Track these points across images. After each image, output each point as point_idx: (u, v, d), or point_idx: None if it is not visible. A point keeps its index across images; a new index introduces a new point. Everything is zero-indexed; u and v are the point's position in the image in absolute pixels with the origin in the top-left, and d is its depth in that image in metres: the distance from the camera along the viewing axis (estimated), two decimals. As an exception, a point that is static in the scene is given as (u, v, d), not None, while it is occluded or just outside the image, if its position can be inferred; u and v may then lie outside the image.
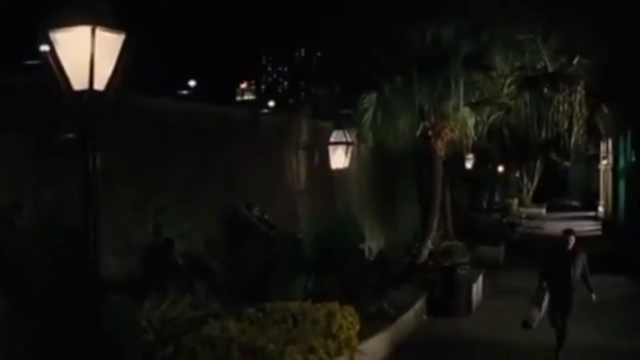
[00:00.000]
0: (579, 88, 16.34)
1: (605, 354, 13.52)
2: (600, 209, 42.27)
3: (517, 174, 45.38)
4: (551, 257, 12.89)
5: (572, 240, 12.34)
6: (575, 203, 51.20)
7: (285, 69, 76.98)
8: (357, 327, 10.30)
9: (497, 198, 38.33)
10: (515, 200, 42.79)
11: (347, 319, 9.94)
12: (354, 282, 12.47)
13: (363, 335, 12.82)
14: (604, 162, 40.37)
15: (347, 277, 12.30)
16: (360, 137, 17.02)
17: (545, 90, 16.56)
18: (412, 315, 16.11)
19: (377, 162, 21.58)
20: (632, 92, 24.80)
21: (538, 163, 46.63)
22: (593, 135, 26.19)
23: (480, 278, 19.64)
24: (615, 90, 24.51)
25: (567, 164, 53.63)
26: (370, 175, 21.84)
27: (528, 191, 46.44)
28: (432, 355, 13.95)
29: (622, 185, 31.64)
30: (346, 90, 16.54)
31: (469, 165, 30.39)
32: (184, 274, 10.46)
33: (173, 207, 11.56)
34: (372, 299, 13.98)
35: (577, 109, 16.32)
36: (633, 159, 26.56)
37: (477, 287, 19.07)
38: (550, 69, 17.20)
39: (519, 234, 33.66)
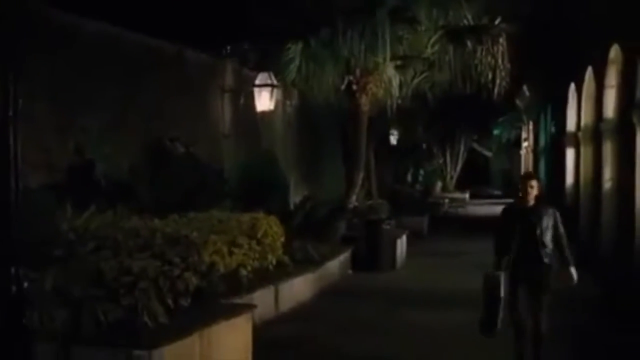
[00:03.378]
0: (501, 40, 16.57)
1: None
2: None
3: (441, 160, 45.91)
4: (505, 217, 9.00)
5: (534, 188, 8.67)
6: (497, 192, 51.98)
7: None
8: (282, 239, 10.31)
9: (422, 173, 38.69)
10: (439, 184, 43.32)
11: (272, 227, 9.94)
12: (279, 215, 12.41)
13: (289, 274, 12.96)
14: (525, 144, 41.13)
15: (272, 211, 12.25)
16: (285, 91, 17.01)
17: (469, 43, 16.72)
18: (337, 265, 16.28)
19: (303, 120, 21.64)
20: (551, 60, 25.35)
21: (462, 149, 47.29)
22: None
23: (405, 237, 19.86)
24: (535, 56, 25.02)
25: (488, 154, 54.65)
26: (296, 134, 21.89)
27: (452, 177, 47.02)
28: (355, 300, 14.07)
29: (542, 164, 32.26)
30: (271, 43, 16.41)
31: (393, 140, 30.75)
32: (106, 194, 10.33)
33: (95, 130, 11.40)
34: (296, 238, 14.08)
35: (499, 61, 16.55)
36: (553, 129, 27.11)
37: (402, 245, 19.27)
38: (472, 26, 17.41)
39: (442, 212, 34.12)
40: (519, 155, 47.64)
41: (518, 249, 8.56)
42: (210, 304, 8.94)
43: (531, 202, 8.64)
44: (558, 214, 8.74)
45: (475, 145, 51.43)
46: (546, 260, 8.55)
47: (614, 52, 16.93)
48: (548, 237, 8.56)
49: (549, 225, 8.58)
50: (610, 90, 17.57)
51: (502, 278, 8.41)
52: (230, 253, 8.67)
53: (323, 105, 18.55)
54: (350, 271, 17.17)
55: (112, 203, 9.81)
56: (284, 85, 16.86)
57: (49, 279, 7.68)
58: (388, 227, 18.13)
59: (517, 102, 37.90)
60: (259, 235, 9.58)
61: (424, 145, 38.40)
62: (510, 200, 10.45)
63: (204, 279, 8.31)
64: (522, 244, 8.54)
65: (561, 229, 8.69)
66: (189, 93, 15.30)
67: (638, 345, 10.35)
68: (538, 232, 8.52)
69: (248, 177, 13.22)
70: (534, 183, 8.75)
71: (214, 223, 9.03)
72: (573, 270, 8.64)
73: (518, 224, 8.61)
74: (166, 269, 7.83)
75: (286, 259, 11.51)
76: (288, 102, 17.45)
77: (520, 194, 8.79)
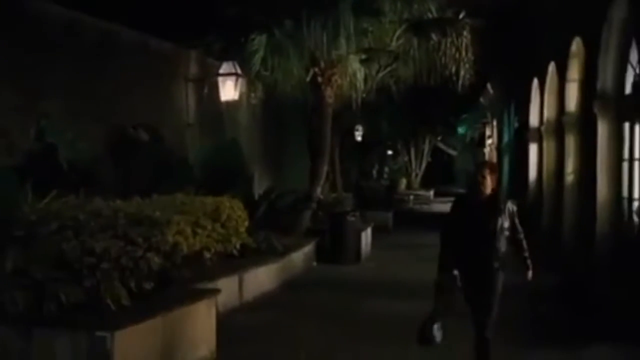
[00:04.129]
0: (465, 33, 16.68)
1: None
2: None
3: (406, 158, 46.12)
4: (454, 210, 7.89)
5: (489, 178, 7.57)
6: (461, 190, 52.26)
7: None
8: (246, 224, 10.29)
9: (387, 170, 38.85)
10: (404, 182, 43.51)
11: (236, 211, 9.91)
12: (243, 204, 12.36)
13: (252, 263, 12.96)
14: (489, 141, 41.38)
15: (237, 194, 12.20)
16: (250, 82, 16.95)
17: (433, 36, 16.80)
18: (302, 257, 16.27)
19: (268, 112, 21.61)
20: (514, 56, 25.57)
21: (427, 148, 47.52)
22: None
23: (370, 230, 19.91)
24: (499, 53, 25.22)
25: (453, 153, 54.96)
26: (261, 126, 21.86)
27: (417, 175, 47.25)
28: (319, 291, 14.08)
29: (505, 161, 32.49)
30: (235, 33, 16.34)
31: (358, 137, 30.82)
32: (68, 179, 10.22)
33: (57, 115, 11.29)
34: (261, 229, 14.06)
35: (463, 53, 16.65)
36: (516, 125, 27.32)
37: (367, 238, 19.32)
38: (436, 20, 17.50)
39: (407, 208, 34.27)
40: (483, 154, 47.94)
41: (466, 248, 7.55)
42: (174, 288, 8.91)
43: (485, 194, 7.55)
44: (516, 210, 7.66)
45: (440, 145, 51.71)
46: (496, 264, 7.51)
47: (576, 45, 17.12)
48: (502, 236, 7.50)
49: (504, 222, 7.49)
50: (572, 84, 17.78)
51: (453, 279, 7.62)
52: (194, 234, 8.64)
53: (288, 98, 18.53)
54: (314, 263, 17.17)
55: (74, 188, 9.70)
56: (248, 77, 16.78)
57: (9, 261, 7.61)
58: (353, 219, 18.11)
59: (481, 99, 38.19)
60: (222, 219, 9.54)
61: (389, 144, 38.52)
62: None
63: (168, 259, 8.26)
64: (471, 242, 7.52)
65: (519, 228, 7.66)
66: (152, 81, 15.20)
67: (594, 333, 10.45)
68: (491, 229, 7.44)
69: (212, 165, 13.18)
70: (489, 172, 7.61)
71: (177, 204, 8.99)
72: (530, 274, 7.81)
73: (468, 218, 7.59)
74: (129, 249, 7.77)
75: (251, 241, 11.47)
76: (253, 95, 17.33)
77: (473, 184, 7.70)
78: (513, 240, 7.68)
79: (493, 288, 7.55)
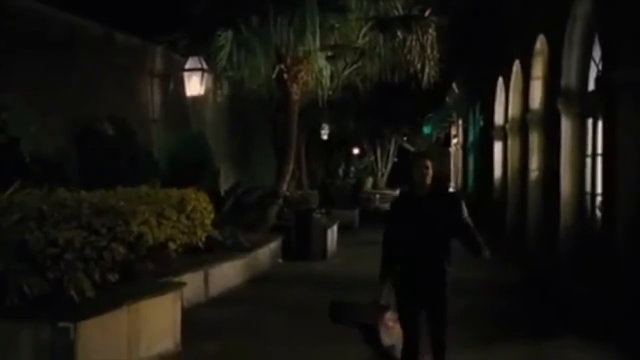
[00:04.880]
0: (430, 30, 16.75)
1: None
2: (451, 190, 43.50)
3: (372, 158, 46.19)
4: (394, 210, 7.04)
5: (429, 170, 6.63)
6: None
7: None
8: (212, 216, 10.25)
9: (353, 170, 38.93)
10: (370, 180, 43.59)
11: (202, 203, 9.87)
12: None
13: (218, 258, 12.93)
14: (454, 140, 41.57)
15: (203, 188, 12.14)
16: (216, 79, 16.88)
17: (399, 33, 16.85)
18: (268, 254, 16.26)
19: (234, 109, 21.52)
20: (480, 55, 25.71)
21: (392, 148, 47.60)
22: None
23: (335, 227, 19.91)
24: (464, 52, 25.36)
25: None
26: (227, 122, 21.78)
27: (383, 175, 47.31)
28: (285, 287, 14.08)
29: (471, 160, 32.68)
30: (201, 29, 16.26)
31: (325, 136, 30.85)
32: (32, 172, 10.11)
33: (20, 108, 11.15)
34: (227, 225, 14.03)
35: (429, 50, 16.72)
36: (481, 124, 27.49)
37: (333, 235, 19.32)
38: (402, 17, 17.56)
39: (373, 207, 34.33)
40: (449, 154, 48.14)
41: (409, 252, 6.66)
42: (139, 280, 8.86)
43: (426, 188, 6.65)
44: (463, 203, 6.78)
45: (406, 145, 51.79)
46: (446, 267, 6.68)
47: (540, 43, 17.25)
48: (446, 235, 6.61)
49: (449, 217, 6.59)
50: (537, 81, 17.91)
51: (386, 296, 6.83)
52: (159, 225, 8.59)
53: (254, 94, 18.49)
54: (280, 260, 17.16)
55: (38, 182, 9.61)
56: (214, 73, 16.70)
57: (-29, 252, 7.50)
58: (319, 216, 18.12)
59: (447, 99, 38.36)
60: (188, 210, 9.50)
61: (356, 143, 38.60)
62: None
63: (132, 250, 8.20)
64: (414, 244, 6.62)
65: (468, 220, 6.62)
66: (118, 76, 15.08)
67: (556, 326, 10.54)
68: (435, 228, 6.57)
69: (178, 159, 13.13)
70: (429, 163, 6.68)
71: (142, 195, 8.93)
72: (487, 252, 6.52)
73: (409, 217, 6.68)
74: (93, 239, 7.71)
75: (216, 233, 11.42)
76: (219, 91, 17.25)
77: (413, 179, 6.71)
78: (463, 232, 6.59)
79: (445, 296, 6.70)
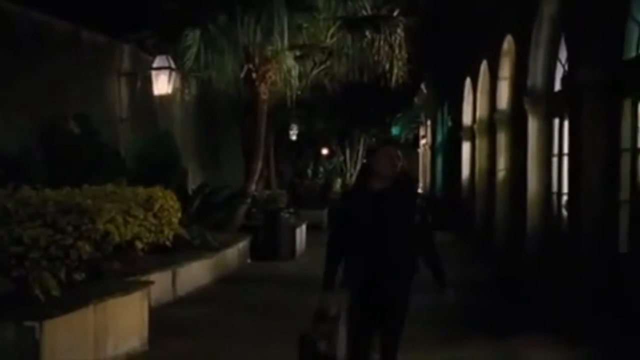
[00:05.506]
0: (398, 30, 16.79)
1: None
2: (419, 190, 43.67)
3: (342, 159, 46.17)
4: (345, 206, 6.19)
5: (395, 161, 5.79)
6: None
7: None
8: (179, 214, 10.21)
9: (321, 170, 38.92)
10: (339, 181, 43.55)
11: (169, 202, 9.83)
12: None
13: (186, 258, 12.89)
14: (423, 141, 41.74)
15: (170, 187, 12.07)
16: (184, 78, 16.80)
17: (367, 33, 16.89)
18: (236, 253, 16.22)
19: (202, 109, 21.42)
20: (448, 56, 25.85)
21: (361, 149, 47.62)
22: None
23: (304, 227, 19.91)
24: (432, 52, 25.49)
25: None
26: (195, 122, 21.67)
27: (351, 175, 47.28)
28: (253, 286, 14.06)
29: (439, 160, 32.83)
30: (169, 28, 16.17)
31: (293, 136, 30.84)
32: (-5, 172, 10.01)
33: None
34: (194, 224, 13.99)
35: (397, 51, 16.76)
36: (450, 124, 27.64)
37: (301, 234, 19.33)
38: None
39: (342, 207, 34.30)
40: (417, 154, 48.29)
41: (362, 255, 5.74)
42: (106, 279, 8.80)
43: (388, 183, 5.73)
44: (424, 204, 6.18)
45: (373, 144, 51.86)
46: (403, 270, 5.78)
47: (507, 43, 17.39)
48: (407, 236, 5.72)
49: (409, 218, 5.73)
50: (504, 81, 18.08)
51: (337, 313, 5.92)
52: (126, 223, 8.54)
53: (223, 94, 18.43)
54: (249, 260, 17.12)
55: (2, 180, 9.51)
56: (182, 72, 16.61)
57: None
58: (287, 216, 18.13)
59: (415, 99, 38.49)
60: (155, 208, 9.45)
61: (324, 143, 38.59)
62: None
63: (98, 249, 8.14)
64: (368, 246, 5.69)
65: (430, 229, 5.88)
66: (84, 74, 14.92)
67: (522, 324, 10.62)
68: (393, 227, 5.67)
69: (145, 158, 13.05)
70: (397, 153, 5.81)
71: (109, 193, 8.88)
72: (450, 291, 5.88)
73: (363, 214, 5.72)
74: (58, 238, 7.63)
75: (183, 232, 11.39)
76: (187, 90, 17.18)
77: (373, 169, 5.81)
78: (422, 243, 5.83)
79: (403, 305, 5.84)
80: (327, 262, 5.92)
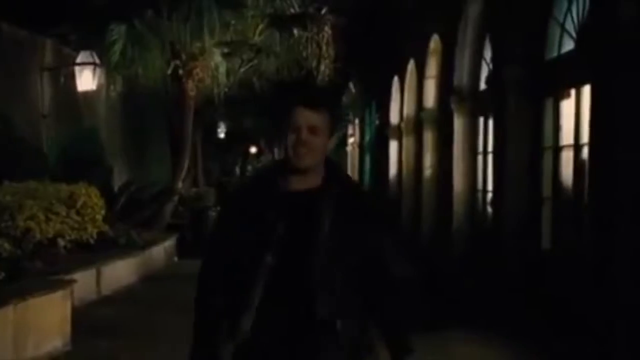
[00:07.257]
0: (326, 28, 16.85)
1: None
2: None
3: (271, 157, 46.16)
4: (230, 222, 3.35)
5: (319, 138, 3.11)
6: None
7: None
8: (103, 212, 10.05)
9: (250, 167, 38.84)
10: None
11: (92, 199, 9.67)
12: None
13: (111, 256, 12.70)
14: (351, 140, 41.85)
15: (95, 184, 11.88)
16: (109, 75, 16.54)
17: (295, 31, 16.90)
18: (163, 252, 16.08)
19: (128, 106, 21.07)
20: (376, 54, 25.99)
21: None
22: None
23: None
24: (360, 51, 25.56)
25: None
26: (121, 119, 21.32)
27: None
28: (179, 286, 13.86)
29: (367, 159, 32.99)
30: (93, 22, 15.89)
31: (221, 134, 30.67)
32: None
33: None
34: (120, 223, 13.80)
35: (324, 49, 16.81)
36: (377, 123, 27.80)
37: (229, 233, 19.17)
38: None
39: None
40: (346, 153, 48.45)
41: (265, 304, 3.21)
42: (26, 278, 8.61)
43: (313, 179, 3.22)
44: (386, 226, 3.58)
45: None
46: (337, 325, 3.19)
47: (434, 43, 17.57)
48: (346, 273, 3.21)
49: (354, 241, 3.24)
50: (431, 80, 18.25)
51: None
52: (47, 220, 8.37)
53: (149, 91, 18.16)
54: (176, 258, 16.97)
55: None
56: (107, 68, 16.34)
57: None
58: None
59: (344, 98, 38.54)
60: (78, 205, 9.29)
61: (253, 141, 38.56)
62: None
63: (19, 246, 7.96)
64: (275, 290, 3.21)
65: (393, 262, 3.50)
66: (4, 69, 14.53)
67: (447, 320, 10.72)
68: (322, 255, 3.15)
69: (69, 155, 12.80)
70: (324, 122, 3.15)
71: (30, 190, 8.69)
72: None
73: (269, 239, 3.18)
74: (-24, 235, 7.45)
75: (107, 228, 11.22)
76: (112, 87, 16.90)
77: (288, 160, 3.16)
78: (375, 286, 3.44)
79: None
80: (200, 313, 3.51)
